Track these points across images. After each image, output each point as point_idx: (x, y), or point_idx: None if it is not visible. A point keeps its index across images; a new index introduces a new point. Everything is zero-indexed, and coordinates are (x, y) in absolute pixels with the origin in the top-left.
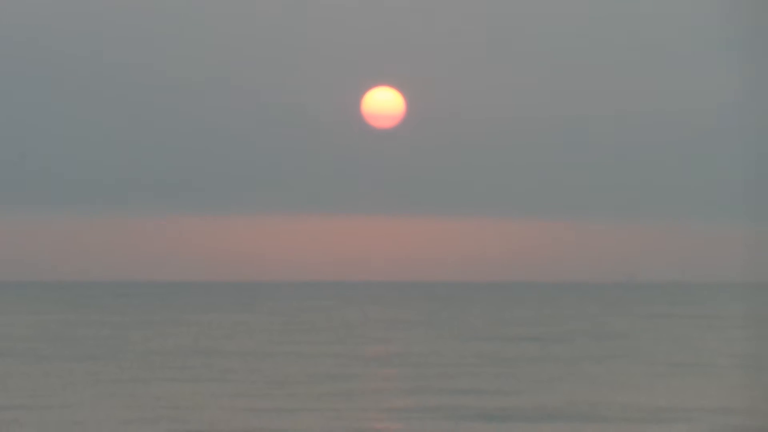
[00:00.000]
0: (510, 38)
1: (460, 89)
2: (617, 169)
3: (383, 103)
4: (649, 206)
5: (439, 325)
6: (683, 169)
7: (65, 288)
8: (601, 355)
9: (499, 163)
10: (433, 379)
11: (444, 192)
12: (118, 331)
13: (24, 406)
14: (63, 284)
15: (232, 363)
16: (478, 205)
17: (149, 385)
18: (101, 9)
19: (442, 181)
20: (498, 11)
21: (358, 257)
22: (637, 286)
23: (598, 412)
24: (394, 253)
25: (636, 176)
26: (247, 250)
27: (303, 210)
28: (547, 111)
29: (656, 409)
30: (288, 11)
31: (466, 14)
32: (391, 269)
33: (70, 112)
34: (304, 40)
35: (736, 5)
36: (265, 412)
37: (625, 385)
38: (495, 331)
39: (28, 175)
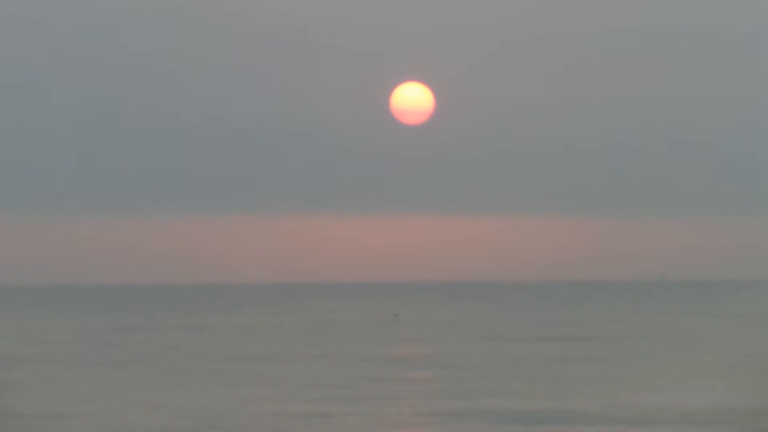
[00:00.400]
0: (539, 28)
1: (490, 81)
2: (644, 164)
3: (412, 99)
4: (678, 203)
5: (476, 326)
6: (715, 165)
7: (100, 291)
8: (639, 354)
9: (531, 157)
10: (468, 381)
11: (473, 189)
12: (152, 336)
13: (66, 413)
14: (97, 288)
15: (266, 367)
16: (506, 203)
17: (186, 390)
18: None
19: (470, 177)
20: (525, 4)
21: (386, 258)
22: (669, 284)
23: (632, 414)
24: (420, 252)
25: (661, 172)
26: (273, 251)
27: (329, 210)
28: (576, 99)
29: (690, 412)
30: (316, 9)
31: (492, 7)
32: (418, 269)
33: (106, 118)
34: (331, 38)
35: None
36: (302, 417)
37: (662, 386)
38: (534, 332)
39: (58, 177)
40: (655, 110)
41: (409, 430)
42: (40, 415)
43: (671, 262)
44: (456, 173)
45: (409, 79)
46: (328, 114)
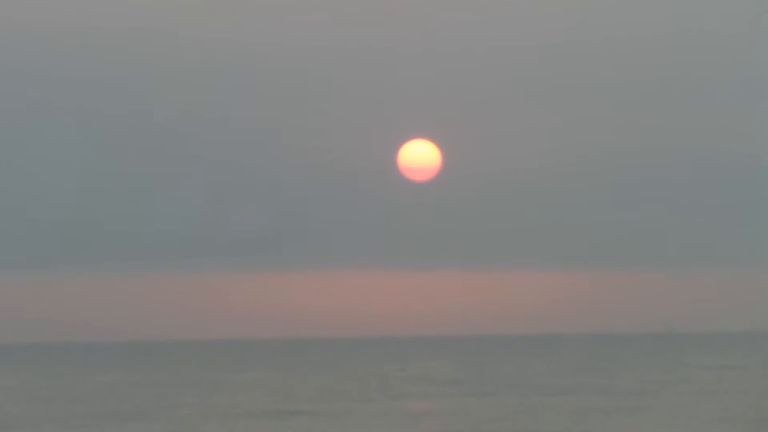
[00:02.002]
0: (544, 84)
1: (497, 139)
2: (648, 217)
3: (419, 155)
4: (683, 256)
5: (497, 381)
6: (716, 216)
7: (110, 348)
8: (638, 407)
9: (536, 213)
10: None
11: (479, 246)
12: (186, 391)
13: None
14: (109, 344)
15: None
16: (514, 258)
17: None
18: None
19: (477, 234)
20: (534, 59)
21: (391, 313)
22: (676, 336)
23: None
24: (427, 307)
25: (664, 224)
26: (282, 306)
27: (336, 266)
28: (587, 158)
29: None
30: (327, 63)
31: (502, 65)
32: (426, 324)
33: (128, 169)
34: (344, 90)
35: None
36: None
37: None
38: (536, 383)
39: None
40: (657, 156)
41: None
42: None
43: (677, 315)
44: (462, 230)
45: (416, 136)
46: (335, 170)
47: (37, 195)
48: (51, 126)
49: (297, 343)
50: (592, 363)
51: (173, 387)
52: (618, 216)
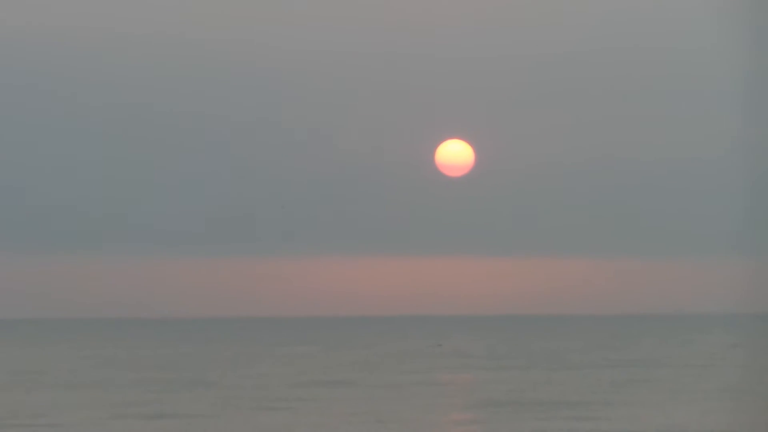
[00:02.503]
0: (569, 89)
1: (524, 139)
2: (664, 211)
3: (454, 154)
4: (692, 245)
5: (533, 356)
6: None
7: (154, 324)
8: (650, 379)
9: (560, 205)
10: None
11: (507, 234)
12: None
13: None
14: (179, 321)
15: (353, 392)
16: (536, 245)
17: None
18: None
19: (505, 224)
20: (559, 62)
21: (427, 293)
22: (685, 317)
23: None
24: (460, 289)
25: (679, 217)
26: (335, 288)
27: (380, 251)
28: (599, 155)
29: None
30: (374, 71)
31: (530, 72)
32: (459, 304)
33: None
34: (386, 97)
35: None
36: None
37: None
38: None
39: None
40: (679, 161)
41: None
42: None
43: (687, 297)
44: (492, 220)
45: (452, 137)
46: (378, 166)
47: (96, 192)
48: (106, 127)
49: (340, 321)
50: (611, 341)
51: (228, 359)
52: (635, 209)
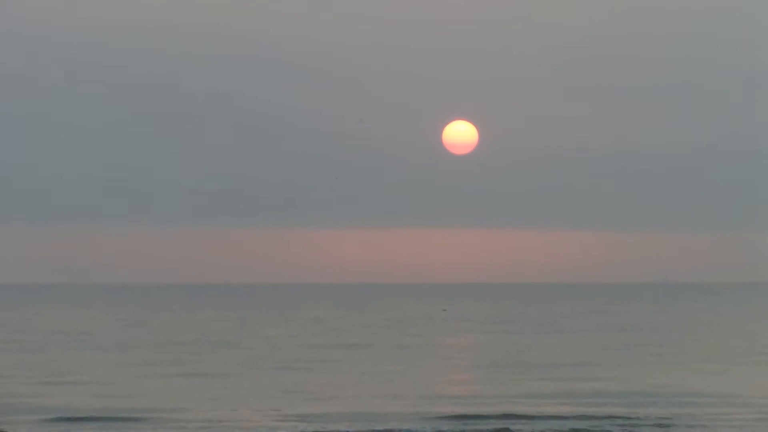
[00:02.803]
0: (566, 80)
1: (524, 123)
2: (654, 184)
3: (460, 134)
4: (676, 219)
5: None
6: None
7: (181, 289)
8: (637, 343)
9: (554, 182)
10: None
11: (509, 207)
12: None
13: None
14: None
15: (362, 354)
16: (536, 219)
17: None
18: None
19: (507, 198)
20: (560, 46)
21: (434, 263)
22: (669, 285)
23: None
24: (464, 259)
25: (662, 194)
26: (352, 257)
27: (391, 223)
28: (596, 140)
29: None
30: (387, 61)
31: (533, 64)
32: (463, 273)
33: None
34: (399, 83)
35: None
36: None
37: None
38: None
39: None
40: (676, 145)
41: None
42: None
43: (672, 267)
44: (494, 194)
45: (458, 118)
46: (393, 147)
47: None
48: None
49: (356, 288)
50: (602, 307)
51: (255, 322)
52: (622, 188)
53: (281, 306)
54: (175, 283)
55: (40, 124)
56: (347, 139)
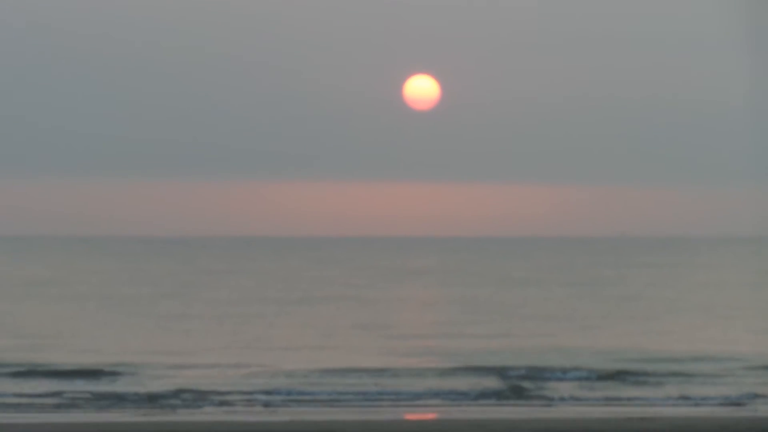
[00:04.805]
0: (534, 28)
1: (488, 75)
2: (615, 138)
3: (421, 89)
4: (634, 174)
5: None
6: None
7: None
8: (586, 296)
9: (516, 136)
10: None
11: (470, 162)
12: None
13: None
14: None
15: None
16: (495, 172)
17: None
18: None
19: (468, 153)
20: (524, 4)
21: (398, 216)
22: (627, 240)
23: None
24: (428, 213)
25: (621, 150)
26: (306, 210)
27: (351, 177)
28: (560, 94)
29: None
30: (349, 15)
31: (492, 8)
32: (426, 226)
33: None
34: (360, 37)
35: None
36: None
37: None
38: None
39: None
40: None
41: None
42: None
43: (630, 222)
44: (456, 149)
45: (419, 72)
46: (346, 99)
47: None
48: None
49: (321, 241)
50: (557, 261)
51: (222, 275)
52: (584, 142)
53: (239, 259)
54: (149, 236)
55: None
56: (302, 93)
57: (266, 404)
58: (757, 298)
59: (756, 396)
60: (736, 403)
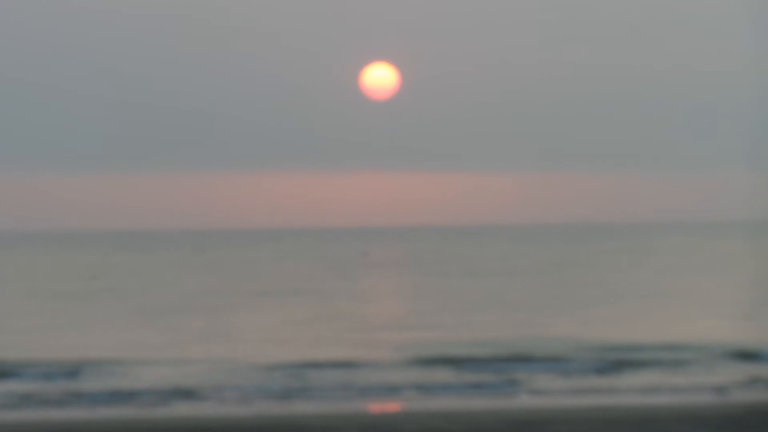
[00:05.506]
0: (491, 10)
1: (449, 64)
2: (571, 127)
3: (379, 77)
4: (597, 160)
5: (418, 264)
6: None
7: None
8: (545, 283)
9: (477, 127)
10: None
11: (427, 151)
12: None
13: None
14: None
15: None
16: (456, 161)
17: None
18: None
19: (426, 141)
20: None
21: (359, 206)
22: (589, 226)
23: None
24: (388, 201)
25: (580, 135)
26: (265, 202)
27: (308, 167)
28: (520, 83)
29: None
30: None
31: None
32: (385, 215)
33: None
34: (313, 23)
35: None
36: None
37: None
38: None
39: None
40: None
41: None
42: None
43: (591, 209)
44: (415, 138)
45: (377, 60)
46: (302, 90)
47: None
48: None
49: (280, 233)
50: (518, 249)
51: (168, 267)
52: (545, 131)
53: (197, 252)
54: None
55: None
56: (259, 83)
57: (232, 398)
58: (728, 284)
59: (726, 384)
60: (707, 390)
